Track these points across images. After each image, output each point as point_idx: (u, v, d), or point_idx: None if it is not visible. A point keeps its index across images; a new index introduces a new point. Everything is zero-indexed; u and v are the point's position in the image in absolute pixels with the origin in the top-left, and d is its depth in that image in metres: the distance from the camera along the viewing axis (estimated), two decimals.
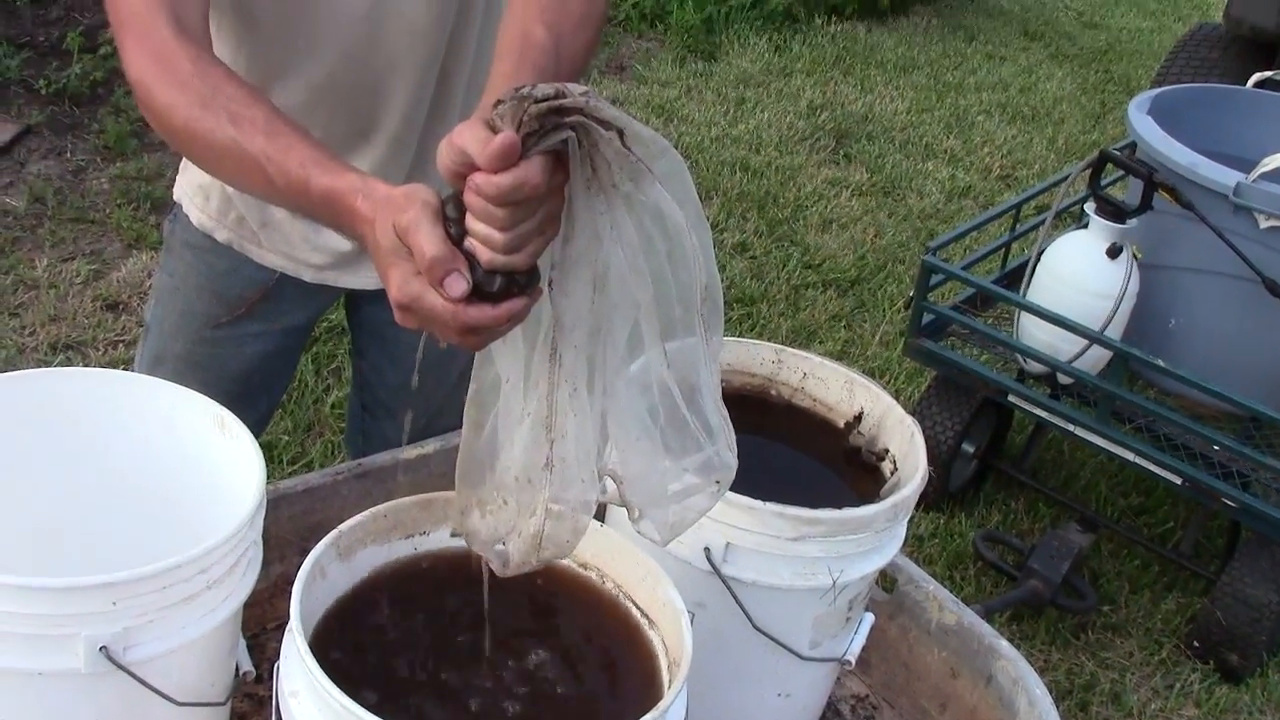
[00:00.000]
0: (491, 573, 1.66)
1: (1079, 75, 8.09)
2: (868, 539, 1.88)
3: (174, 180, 2.29)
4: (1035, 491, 3.92)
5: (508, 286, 1.30)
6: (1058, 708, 3.18)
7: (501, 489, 1.45)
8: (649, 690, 1.57)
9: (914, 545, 3.60)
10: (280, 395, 2.55)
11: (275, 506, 1.99)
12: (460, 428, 1.91)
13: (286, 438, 3.67)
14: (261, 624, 2.00)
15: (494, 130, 1.21)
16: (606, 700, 1.58)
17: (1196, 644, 3.43)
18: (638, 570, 1.72)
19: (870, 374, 4.07)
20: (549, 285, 1.29)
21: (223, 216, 2.19)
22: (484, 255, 1.26)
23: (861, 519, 1.85)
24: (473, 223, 1.26)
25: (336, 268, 2.22)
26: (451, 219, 1.29)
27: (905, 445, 2.07)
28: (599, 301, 1.28)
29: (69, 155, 4.98)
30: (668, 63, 6.86)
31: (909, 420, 2.07)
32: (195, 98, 1.61)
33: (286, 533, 1.64)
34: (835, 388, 2.19)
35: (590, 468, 1.37)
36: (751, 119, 6.30)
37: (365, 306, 2.37)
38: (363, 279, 2.24)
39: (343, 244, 2.18)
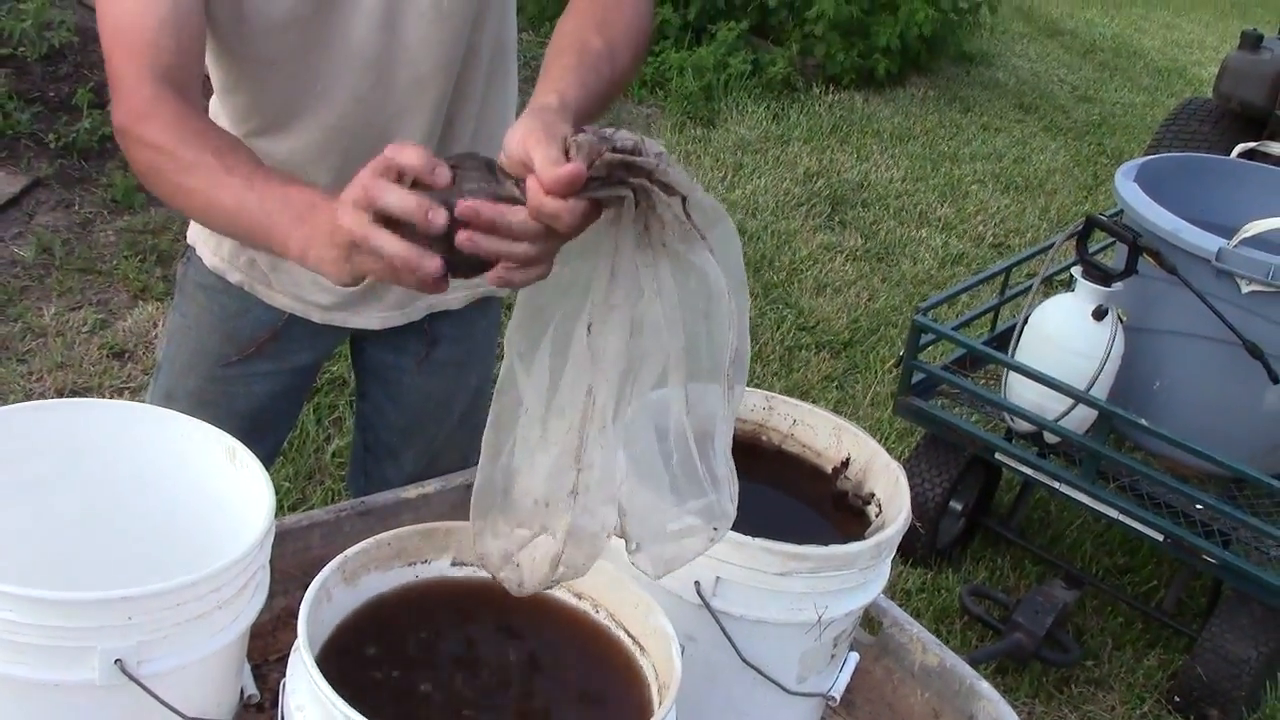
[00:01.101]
0: (492, 599, 1.73)
1: (1072, 147, 8.20)
2: (852, 576, 1.95)
3: (180, 233, 2.37)
4: (1022, 549, 3.98)
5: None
6: None
7: (518, 512, 1.52)
8: (641, 712, 1.63)
9: (901, 599, 3.66)
10: (285, 436, 2.61)
11: (280, 541, 2.05)
12: (461, 468, 2.00)
13: (288, 484, 3.74)
14: (265, 655, 2.05)
15: (567, 155, 1.27)
16: (603, 715, 1.63)
17: (1178, 699, 3.49)
18: (630, 600, 1.78)
19: None
20: (588, 329, 1.35)
21: (234, 259, 2.26)
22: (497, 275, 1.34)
23: (846, 556, 1.91)
24: (493, 242, 1.33)
25: (344, 309, 2.29)
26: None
27: (890, 489, 2.13)
28: (633, 346, 1.34)
29: (77, 208, 5.06)
30: (667, 128, 6.96)
31: (894, 465, 2.14)
32: (176, 141, 1.70)
33: (290, 567, 1.70)
34: (823, 434, 2.25)
35: (611, 496, 1.43)
36: (748, 184, 6.40)
37: (369, 348, 2.43)
38: (369, 319, 2.31)
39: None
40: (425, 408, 2.48)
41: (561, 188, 1.26)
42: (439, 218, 1.33)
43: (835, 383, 4.80)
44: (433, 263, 1.34)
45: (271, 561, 1.82)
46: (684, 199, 1.25)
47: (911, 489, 3.70)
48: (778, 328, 5.11)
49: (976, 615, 3.54)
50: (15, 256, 4.64)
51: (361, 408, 2.58)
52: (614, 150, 1.24)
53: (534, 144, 1.30)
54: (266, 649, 2.05)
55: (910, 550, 3.84)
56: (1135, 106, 9.48)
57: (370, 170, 1.39)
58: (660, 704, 1.61)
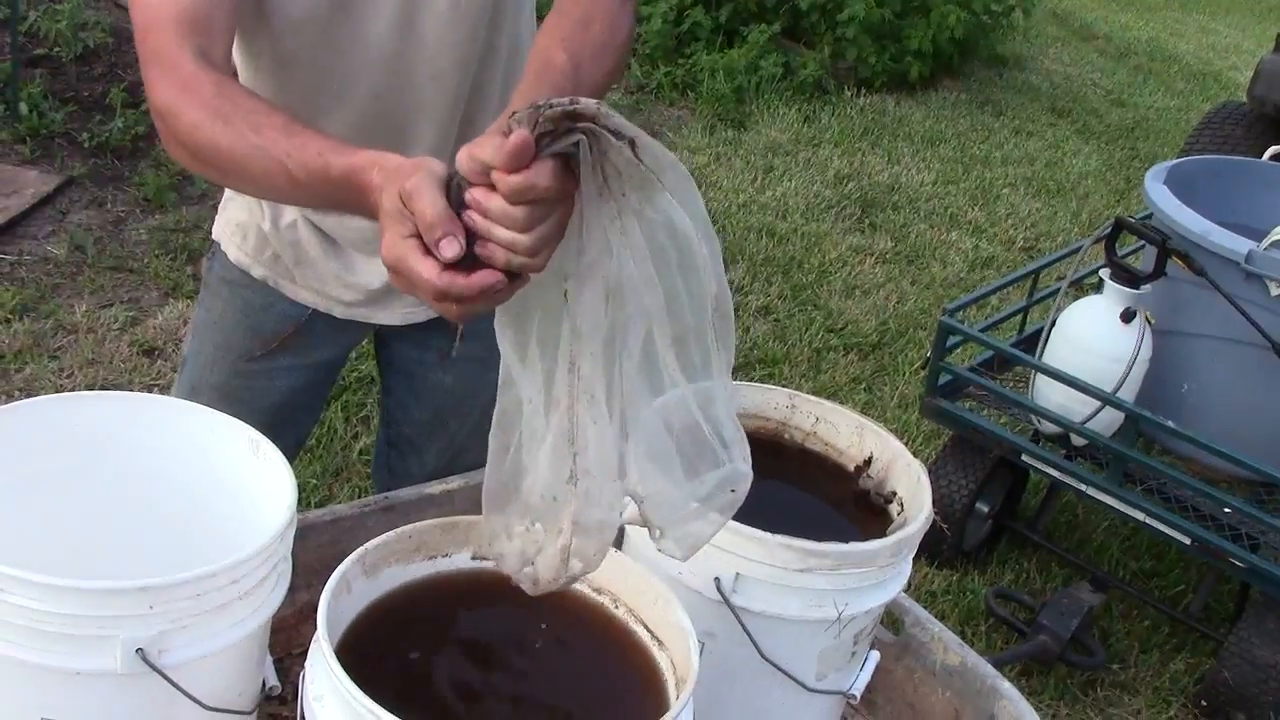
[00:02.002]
0: (510, 593, 1.74)
1: (1105, 152, 8.18)
2: (872, 574, 1.95)
3: (209, 231, 2.39)
4: (1048, 552, 3.97)
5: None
6: None
7: (529, 511, 1.52)
8: (657, 707, 1.63)
9: (927, 601, 3.66)
10: (307, 431, 2.63)
11: (303, 536, 2.07)
12: (483, 465, 2.00)
13: (315, 481, 3.76)
14: (288, 649, 2.06)
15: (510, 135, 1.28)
16: (620, 708, 1.64)
17: (1204, 703, 3.48)
18: (648, 594, 1.79)
19: None
20: (564, 295, 1.36)
21: (259, 254, 2.28)
22: (501, 258, 1.34)
23: (866, 553, 1.92)
24: (494, 229, 1.33)
25: (367, 304, 2.31)
26: (454, 192, 1.36)
27: (912, 488, 2.13)
28: (613, 311, 1.35)
29: (109, 206, 5.10)
30: (698, 130, 6.97)
31: (916, 464, 2.14)
32: (217, 115, 1.71)
33: (313, 561, 1.71)
34: (846, 432, 2.26)
35: (613, 478, 1.44)
36: (779, 186, 6.40)
37: (393, 343, 2.45)
38: (391, 315, 2.33)
39: (373, 281, 2.27)
40: (447, 403, 2.49)
41: (514, 159, 1.27)
42: (451, 248, 1.36)
43: (863, 384, 4.80)
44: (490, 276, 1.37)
45: (295, 555, 1.84)
46: (632, 142, 1.26)
47: (937, 491, 3.72)
48: (806, 329, 5.11)
49: (1002, 618, 3.53)
50: (48, 254, 4.67)
51: (385, 403, 2.60)
52: (550, 108, 1.26)
53: (478, 147, 1.31)
54: (290, 643, 2.06)
55: (936, 552, 3.83)
56: (1169, 111, 9.44)
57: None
58: (677, 698, 1.62)
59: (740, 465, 1.53)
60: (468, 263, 1.36)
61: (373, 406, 4.04)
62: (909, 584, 2.48)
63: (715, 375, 1.44)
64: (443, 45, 2.01)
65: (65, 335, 4.22)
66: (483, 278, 1.36)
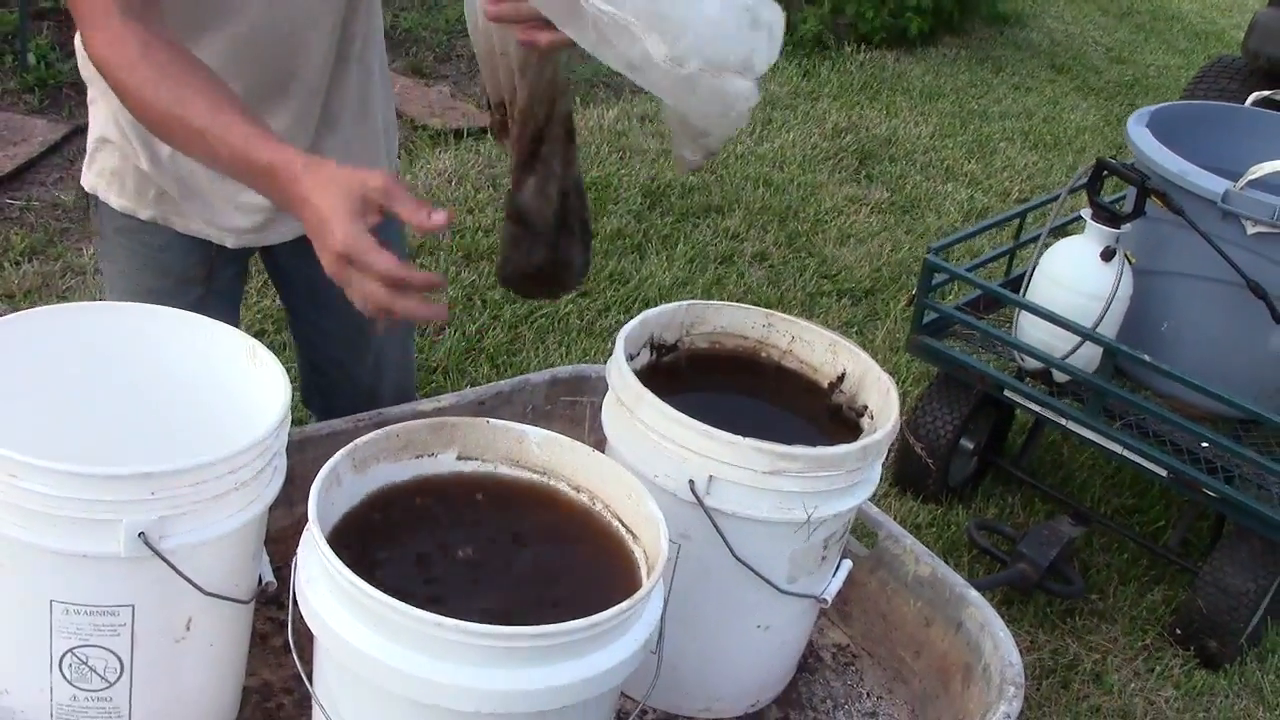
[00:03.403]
0: (493, 490, 1.85)
1: (1104, 107, 8.24)
2: (840, 478, 2.04)
3: None
4: (1032, 488, 4.07)
5: None
6: (1039, 686, 3.35)
7: None
8: (630, 591, 1.73)
9: (911, 533, 3.73)
10: None
11: (301, 449, 2.17)
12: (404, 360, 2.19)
13: None
14: (286, 559, 2.16)
15: None
16: (594, 593, 1.73)
17: (1179, 631, 3.58)
18: (623, 490, 1.88)
19: None
20: None
21: (142, 195, 2.31)
22: None
23: (834, 457, 2.01)
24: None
25: (258, 230, 2.35)
26: None
27: (882, 400, 2.22)
28: None
29: None
30: None
31: (885, 378, 2.23)
32: (145, 80, 1.81)
33: (310, 473, 1.80)
34: (820, 350, 2.35)
35: None
36: (777, 139, 6.48)
37: (290, 264, 2.50)
38: (283, 231, 2.38)
39: (265, 200, 2.30)
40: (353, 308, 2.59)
41: None
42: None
43: (855, 328, 4.89)
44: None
45: (293, 468, 1.93)
46: None
47: (923, 427, 3.82)
48: (800, 275, 5.20)
49: (983, 548, 3.63)
50: (57, 200, 4.77)
51: (298, 328, 2.67)
52: None
53: None
54: (288, 553, 2.15)
55: (922, 487, 3.93)
56: (1170, 69, 9.49)
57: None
58: (648, 574, 1.72)
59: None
60: None
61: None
62: (893, 518, 2.58)
63: None
64: None
65: (74, 276, 4.32)
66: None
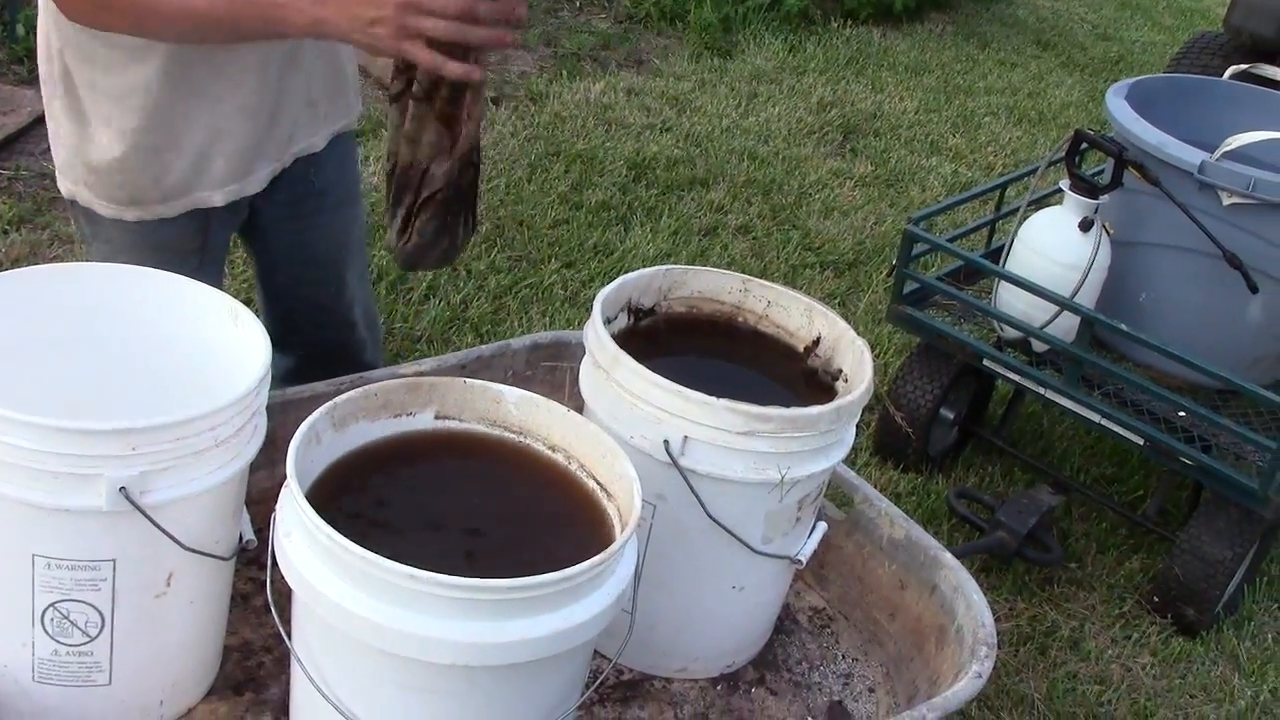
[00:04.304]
0: (472, 450, 1.87)
1: (1089, 83, 8.25)
2: (814, 439, 2.07)
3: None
4: (1012, 458, 4.10)
5: None
6: (1017, 653, 3.39)
7: None
8: (604, 546, 1.76)
9: (891, 502, 3.78)
10: None
11: (284, 410, 2.20)
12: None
13: None
14: (268, 520, 2.20)
15: None
16: (568, 549, 1.76)
17: (1156, 599, 3.61)
18: (598, 449, 1.91)
19: None
20: None
21: (116, 198, 2.33)
22: None
23: (807, 418, 2.04)
24: None
25: (239, 178, 2.36)
26: None
27: (856, 363, 2.25)
28: None
29: None
30: (684, 58, 7.05)
31: (860, 342, 2.26)
32: None
33: (292, 435, 1.83)
34: (796, 314, 2.38)
35: None
36: (762, 112, 6.49)
37: (263, 213, 2.53)
38: (260, 180, 2.41)
39: (246, 136, 2.33)
40: (331, 252, 2.65)
41: None
42: None
43: (838, 299, 4.91)
44: None
45: (275, 429, 1.97)
46: None
47: (903, 397, 3.85)
48: (784, 247, 5.22)
49: (963, 515, 3.65)
50: (44, 170, 4.77)
51: (273, 281, 2.69)
52: None
53: None
54: (270, 514, 2.20)
55: (902, 456, 3.96)
56: (1155, 45, 9.51)
57: None
58: (621, 530, 1.75)
59: None
60: None
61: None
62: (875, 487, 2.60)
63: None
64: None
65: (61, 245, 4.33)
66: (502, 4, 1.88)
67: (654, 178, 5.57)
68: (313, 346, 2.67)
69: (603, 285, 2.19)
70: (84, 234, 2.44)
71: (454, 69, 1.87)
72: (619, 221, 5.16)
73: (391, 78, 2.03)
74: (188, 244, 2.40)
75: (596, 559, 1.63)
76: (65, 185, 2.37)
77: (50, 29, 2.21)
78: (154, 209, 2.33)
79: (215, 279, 2.46)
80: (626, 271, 2.53)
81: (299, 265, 2.62)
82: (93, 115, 2.23)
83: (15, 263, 4.19)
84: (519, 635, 1.61)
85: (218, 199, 2.35)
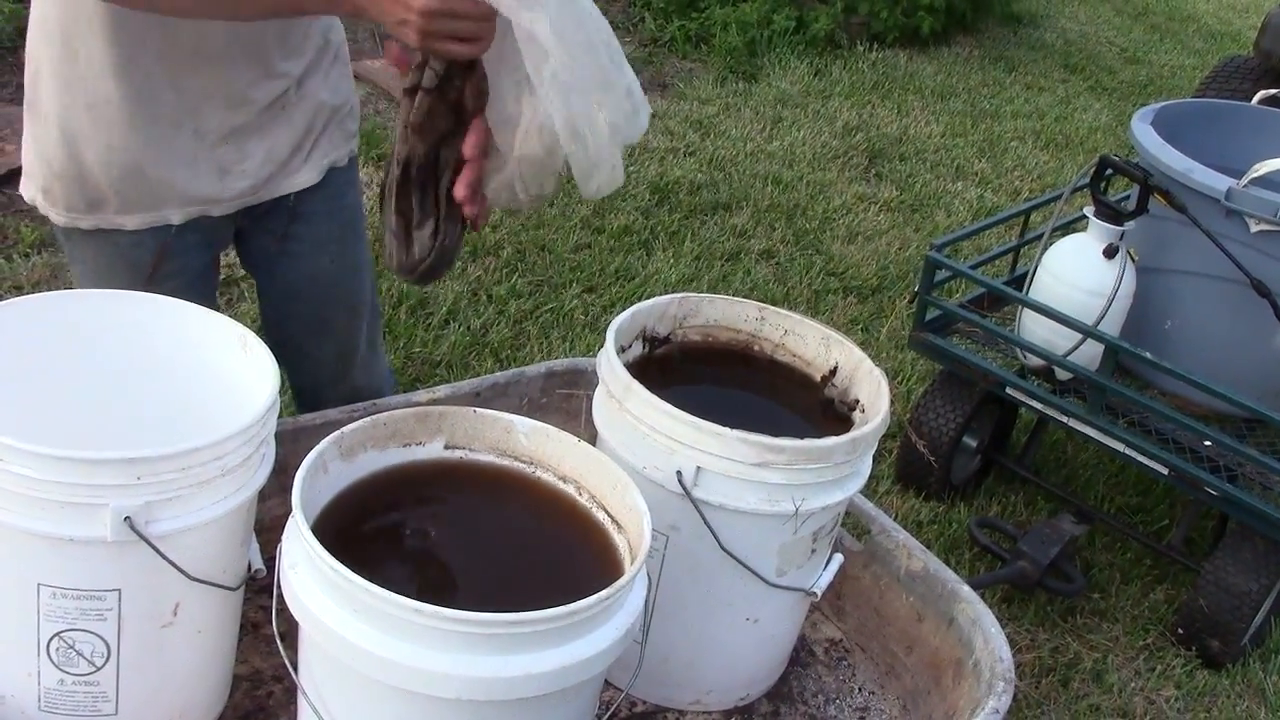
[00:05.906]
0: (481, 480, 1.85)
1: (1117, 107, 8.22)
2: (828, 470, 2.04)
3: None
4: (1035, 487, 4.06)
5: None
6: (1039, 684, 3.35)
7: None
8: (613, 579, 1.73)
9: (912, 530, 3.75)
10: None
11: (295, 438, 2.18)
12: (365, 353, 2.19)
13: None
14: (278, 547, 2.18)
15: None
16: (576, 582, 1.74)
17: (1180, 630, 3.57)
18: (609, 481, 1.89)
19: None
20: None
21: (89, 212, 2.31)
22: None
23: (822, 449, 2.01)
24: None
25: (212, 179, 2.33)
26: None
27: (874, 393, 2.22)
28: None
29: None
30: (709, 82, 7.04)
31: (877, 372, 2.24)
32: None
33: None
34: (813, 344, 2.35)
35: None
36: (787, 136, 6.48)
37: (253, 240, 2.53)
38: (232, 186, 2.37)
39: (219, 126, 2.30)
40: (312, 289, 2.61)
41: None
42: None
43: (861, 325, 4.89)
44: None
45: (287, 458, 1.94)
46: None
47: (925, 424, 3.82)
48: (807, 272, 5.20)
49: (984, 545, 3.62)
50: None
51: (267, 312, 2.68)
52: None
53: None
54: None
55: (924, 484, 3.93)
56: (1184, 69, 9.46)
57: None
58: (631, 564, 1.72)
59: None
60: None
61: None
62: (895, 515, 2.58)
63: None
64: None
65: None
66: None
67: (677, 202, 5.55)
68: (303, 377, 2.66)
69: (624, 311, 2.18)
70: (62, 249, 2.43)
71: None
72: (641, 246, 5.14)
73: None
74: (146, 259, 2.37)
75: (603, 593, 1.61)
76: (29, 189, 2.35)
77: (38, 42, 2.20)
78: (111, 218, 2.31)
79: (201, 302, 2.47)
80: (648, 296, 2.52)
81: (285, 300, 2.62)
82: (56, 123, 2.22)
83: (36, 285, 4.20)
84: (524, 670, 1.58)
85: (175, 218, 2.32)
